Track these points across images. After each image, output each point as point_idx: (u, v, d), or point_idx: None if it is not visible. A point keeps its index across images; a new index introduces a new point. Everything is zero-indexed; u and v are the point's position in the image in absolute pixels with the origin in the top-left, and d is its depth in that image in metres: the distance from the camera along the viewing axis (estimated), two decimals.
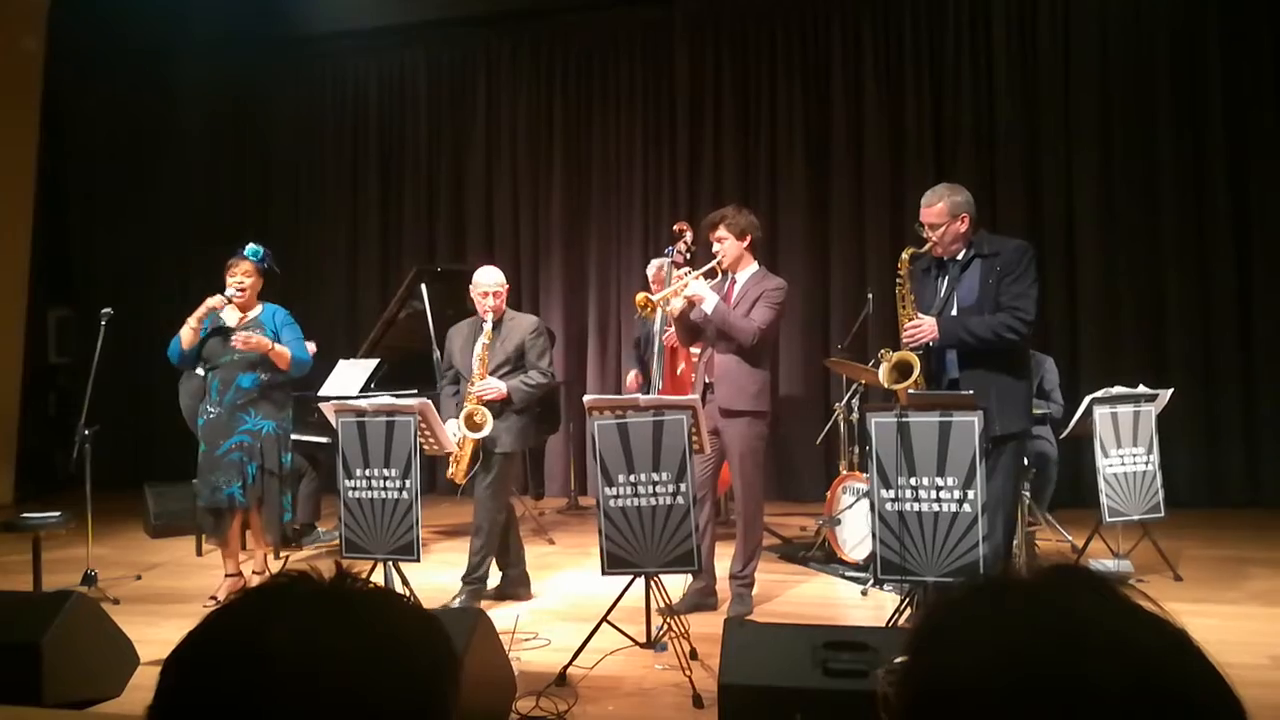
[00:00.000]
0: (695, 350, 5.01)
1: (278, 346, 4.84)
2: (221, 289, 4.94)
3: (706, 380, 4.55)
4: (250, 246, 4.97)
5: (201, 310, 4.85)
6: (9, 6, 8.24)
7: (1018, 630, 0.67)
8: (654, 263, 6.25)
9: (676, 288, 4.53)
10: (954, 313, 3.94)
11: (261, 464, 4.86)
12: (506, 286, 4.95)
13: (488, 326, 4.81)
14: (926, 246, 3.99)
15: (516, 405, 4.77)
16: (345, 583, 0.77)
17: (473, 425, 4.63)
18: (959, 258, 4.00)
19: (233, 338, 4.76)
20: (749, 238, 4.59)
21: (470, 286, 4.94)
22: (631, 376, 6.31)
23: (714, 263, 4.55)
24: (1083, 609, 0.68)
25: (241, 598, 0.77)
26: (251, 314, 5.00)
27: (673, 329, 4.91)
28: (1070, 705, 0.63)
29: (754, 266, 4.63)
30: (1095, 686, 0.63)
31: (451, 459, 4.91)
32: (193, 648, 0.74)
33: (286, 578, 0.78)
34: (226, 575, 4.99)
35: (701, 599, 4.60)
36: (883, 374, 3.94)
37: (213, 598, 4.88)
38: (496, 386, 4.73)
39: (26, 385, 8.68)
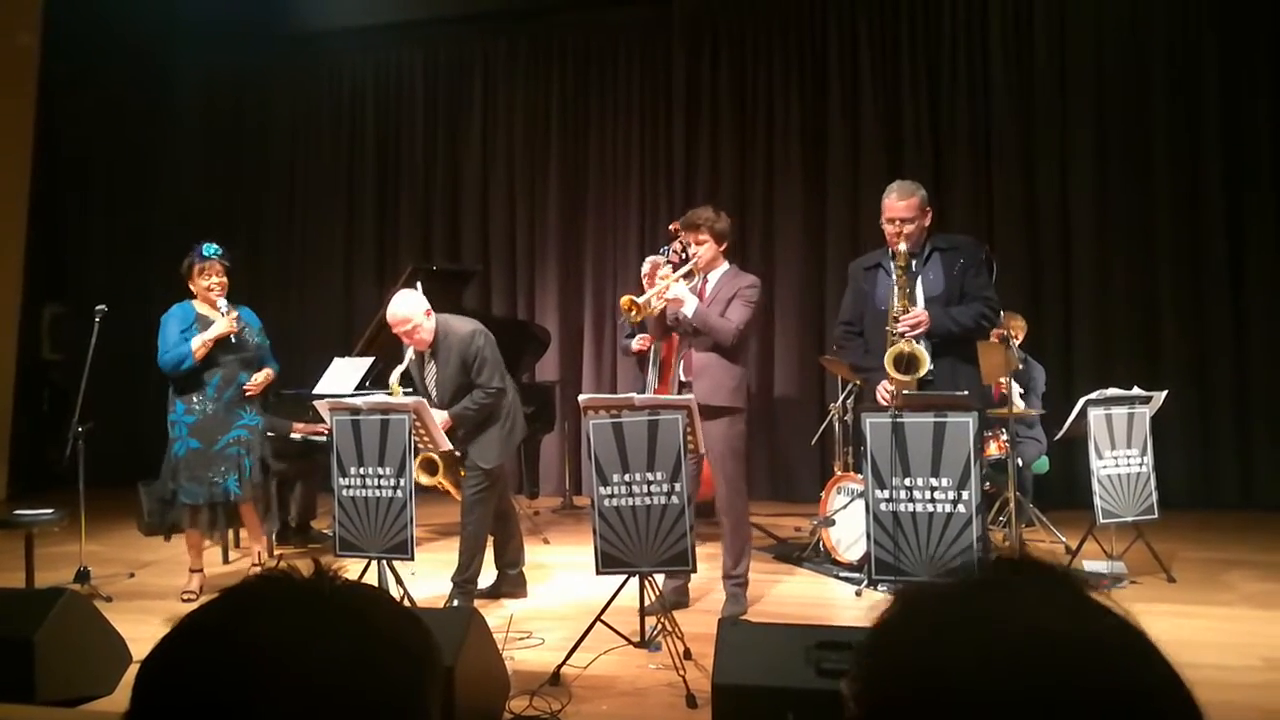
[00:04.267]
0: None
1: (269, 373, 5.10)
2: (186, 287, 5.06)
3: (683, 379, 4.55)
4: (209, 246, 4.98)
5: (216, 334, 4.88)
6: (5, 2, 8.21)
7: (939, 641, 0.66)
8: (649, 260, 6.25)
9: (659, 290, 4.52)
10: (920, 303, 4.13)
11: (260, 456, 5.03)
12: (425, 311, 4.59)
13: (393, 380, 4.66)
14: (899, 244, 4.14)
15: (466, 429, 4.66)
16: (323, 579, 0.77)
17: (428, 469, 4.60)
18: (918, 251, 4.20)
19: (245, 386, 4.96)
20: (726, 243, 4.64)
21: None
22: (636, 342, 6.14)
23: (691, 264, 4.55)
24: (1006, 610, 0.67)
25: (218, 597, 0.77)
26: (233, 312, 5.03)
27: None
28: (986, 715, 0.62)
29: (725, 265, 4.65)
30: (1010, 695, 0.62)
31: (440, 488, 4.88)
32: (170, 648, 0.73)
33: (263, 576, 0.78)
34: (192, 571, 5.07)
35: (679, 596, 4.62)
36: (888, 362, 3.99)
37: (189, 592, 4.97)
38: (439, 420, 4.61)
39: (20, 381, 8.66)
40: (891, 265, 4.19)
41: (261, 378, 5.02)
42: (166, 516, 5.06)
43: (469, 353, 4.61)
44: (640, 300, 4.49)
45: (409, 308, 4.60)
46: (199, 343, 4.86)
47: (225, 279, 4.97)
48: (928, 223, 4.22)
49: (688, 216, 4.63)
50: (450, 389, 4.66)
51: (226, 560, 5.75)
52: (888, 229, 4.20)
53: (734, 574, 4.56)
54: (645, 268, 6.28)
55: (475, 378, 4.62)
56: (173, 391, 4.99)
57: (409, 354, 4.74)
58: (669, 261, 4.78)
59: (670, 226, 5.22)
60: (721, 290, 4.54)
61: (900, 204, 4.16)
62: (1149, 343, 7.20)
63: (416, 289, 6.18)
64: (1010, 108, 7.47)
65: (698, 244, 4.55)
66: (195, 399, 4.91)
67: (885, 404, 4.01)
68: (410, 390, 4.74)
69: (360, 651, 0.72)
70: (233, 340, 4.92)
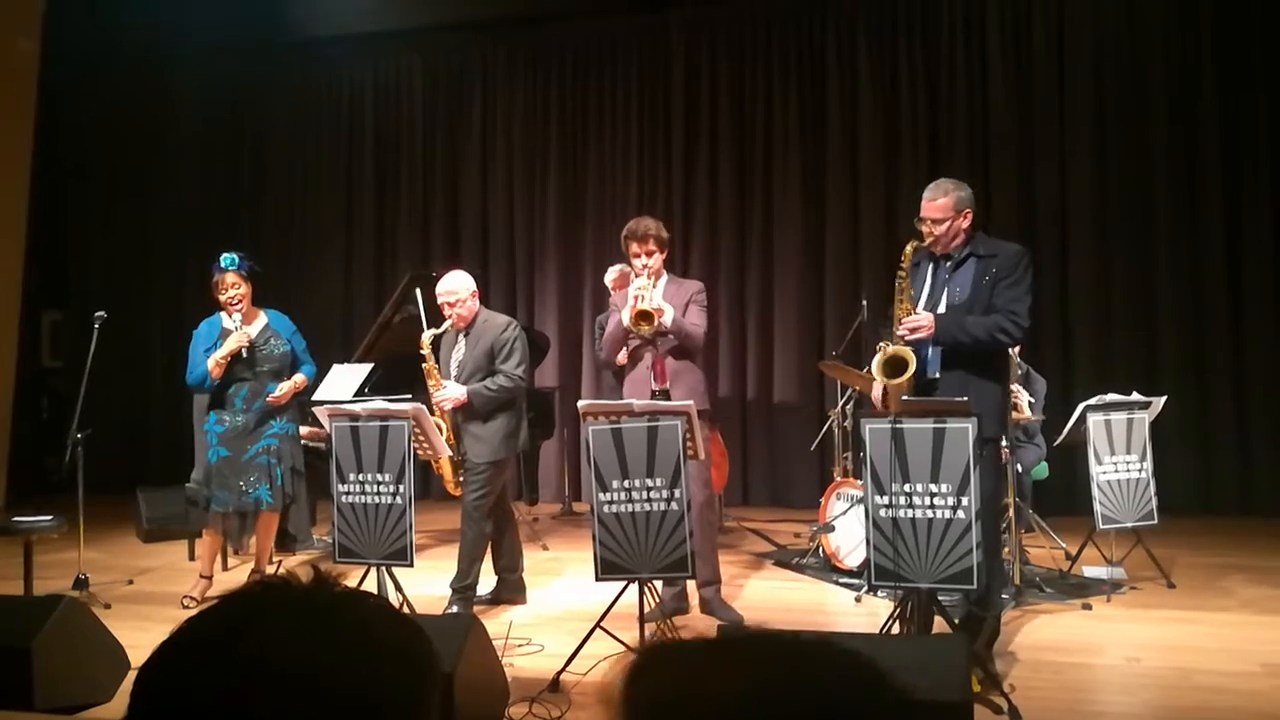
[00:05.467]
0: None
1: (298, 380, 5.05)
2: (213, 299, 5.02)
3: (655, 387, 4.54)
4: (225, 256, 4.96)
5: (226, 352, 4.86)
6: (5, 8, 8.22)
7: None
8: (614, 269, 6.24)
9: (647, 299, 4.49)
10: (942, 309, 3.87)
11: (292, 465, 5.01)
12: (472, 292, 4.83)
13: (425, 338, 4.81)
14: (927, 242, 3.89)
15: (480, 411, 4.71)
16: (322, 587, 0.77)
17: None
18: (955, 255, 3.91)
19: (269, 397, 4.92)
20: (666, 251, 4.67)
21: None
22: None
23: (648, 276, 4.54)
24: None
25: (217, 604, 0.76)
26: (259, 322, 5.04)
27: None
28: None
29: (666, 275, 4.70)
30: None
31: (435, 469, 4.91)
32: (169, 656, 0.73)
33: (263, 583, 0.78)
34: (201, 576, 5.05)
35: (678, 603, 4.62)
36: (875, 366, 3.84)
37: (190, 598, 4.94)
38: (454, 395, 4.70)
39: (19, 388, 8.64)
40: (928, 260, 4.00)
41: (286, 387, 4.97)
42: (192, 520, 5.12)
43: (500, 339, 4.76)
44: (650, 308, 4.45)
45: (460, 283, 4.82)
46: (212, 362, 4.86)
47: (244, 288, 4.94)
48: (965, 225, 3.89)
49: (636, 228, 4.59)
50: (470, 369, 4.76)
51: (225, 567, 5.74)
52: (921, 229, 3.93)
53: (714, 580, 4.57)
54: (612, 275, 6.26)
55: (501, 363, 4.74)
56: (207, 402, 5.02)
57: (448, 323, 4.85)
58: (637, 273, 4.73)
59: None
60: (673, 298, 4.59)
61: (929, 204, 3.89)
62: (1148, 348, 7.20)
63: (416, 295, 6.22)
64: (1008, 111, 7.47)
65: (647, 255, 4.55)
66: (225, 413, 4.94)
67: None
68: (436, 343, 4.85)
69: (359, 659, 0.72)
70: (244, 355, 4.89)
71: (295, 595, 0.76)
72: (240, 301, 4.93)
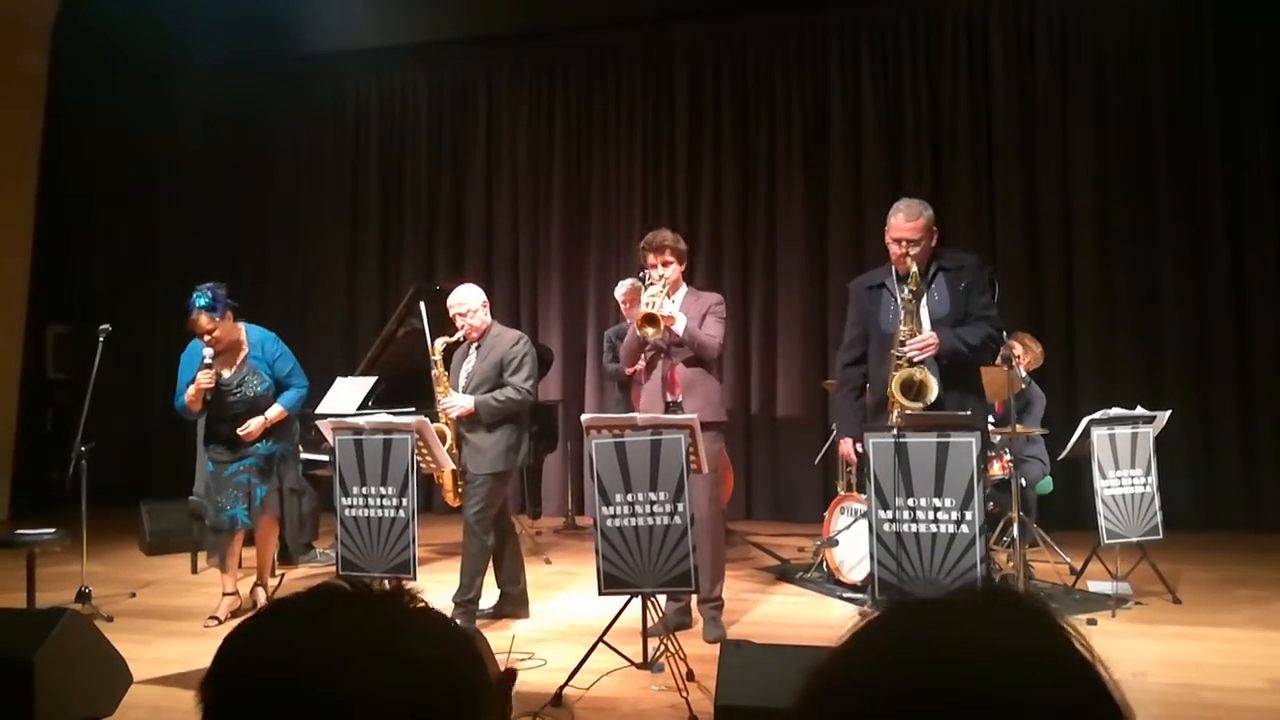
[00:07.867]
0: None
1: (271, 415, 4.91)
2: None
3: (669, 399, 4.54)
4: (197, 294, 4.78)
5: (194, 393, 4.81)
6: (13, 24, 8.28)
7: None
8: (624, 283, 6.28)
9: (658, 306, 4.49)
10: (927, 325, 4.06)
11: (280, 484, 4.98)
12: (484, 303, 4.90)
13: (437, 344, 4.90)
14: (914, 265, 4.02)
15: (485, 422, 4.73)
16: (400, 598, 0.78)
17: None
18: (920, 272, 4.08)
19: (238, 431, 4.84)
20: (684, 264, 4.69)
21: None
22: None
23: (664, 286, 4.55)
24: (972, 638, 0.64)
25: (299, 593, 0.78)
26: (238, 359, 4.95)
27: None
28: None
29: (684, 287, 4.71)
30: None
31: (435, 478, 4.93)
32: (254, 625, 0.75)
33: (346, 580, 0.80)
34: (224, 594, 5.00)
35: (681, 618, 4.61)
36: (895, 386, 3.98)
37: (213, 617, 4.88)
38: (460, 404, 4.74)
39: (24, 401, 8.66)
40: (897, 286, 4.12)
41: (255, 424, 4.84)
42: (195, 533, 5.20)
43: (510, 353, 4.80)
44: (660, 312, 4.45)
45: (469, 295, 4.90)
46: (188, 397, 4.84)
47: (213, 330, 4.76)
48: (934, 243, 4.15)
49: (653, 239, 4.63)
50: (478, 381, 4.80)
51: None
52: (893, 248, 4.11)
53: (711, 597, 4.55)
54: (621, 290, 6.30)
55: (510, 376, 4.77)
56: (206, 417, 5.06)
57: (460, 333, 4.91)
58: (649, 284, 4.75)
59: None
60: (689, 309, 4.59)
61: (908, 224, 4.07)
62: (1152, 361, 7.18)
63: (420, 309, 6.23)
64: (1011, 121, 7.48)
65: (663, 265, 4.57)
66: (216, 434, 4.98)
67: (849, 463, 4.02)
68: (448, 350, 4.93)
69: (418, 667, 0.72)
70: (208, 398, 4.83)
71: (372, 599, 0.78)
72: (217, 343, 4.81)
